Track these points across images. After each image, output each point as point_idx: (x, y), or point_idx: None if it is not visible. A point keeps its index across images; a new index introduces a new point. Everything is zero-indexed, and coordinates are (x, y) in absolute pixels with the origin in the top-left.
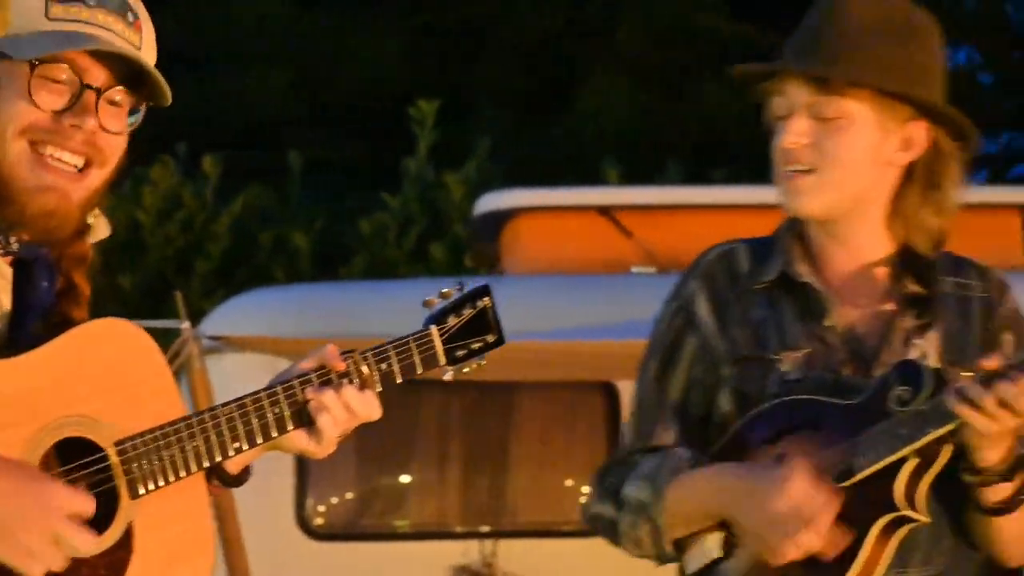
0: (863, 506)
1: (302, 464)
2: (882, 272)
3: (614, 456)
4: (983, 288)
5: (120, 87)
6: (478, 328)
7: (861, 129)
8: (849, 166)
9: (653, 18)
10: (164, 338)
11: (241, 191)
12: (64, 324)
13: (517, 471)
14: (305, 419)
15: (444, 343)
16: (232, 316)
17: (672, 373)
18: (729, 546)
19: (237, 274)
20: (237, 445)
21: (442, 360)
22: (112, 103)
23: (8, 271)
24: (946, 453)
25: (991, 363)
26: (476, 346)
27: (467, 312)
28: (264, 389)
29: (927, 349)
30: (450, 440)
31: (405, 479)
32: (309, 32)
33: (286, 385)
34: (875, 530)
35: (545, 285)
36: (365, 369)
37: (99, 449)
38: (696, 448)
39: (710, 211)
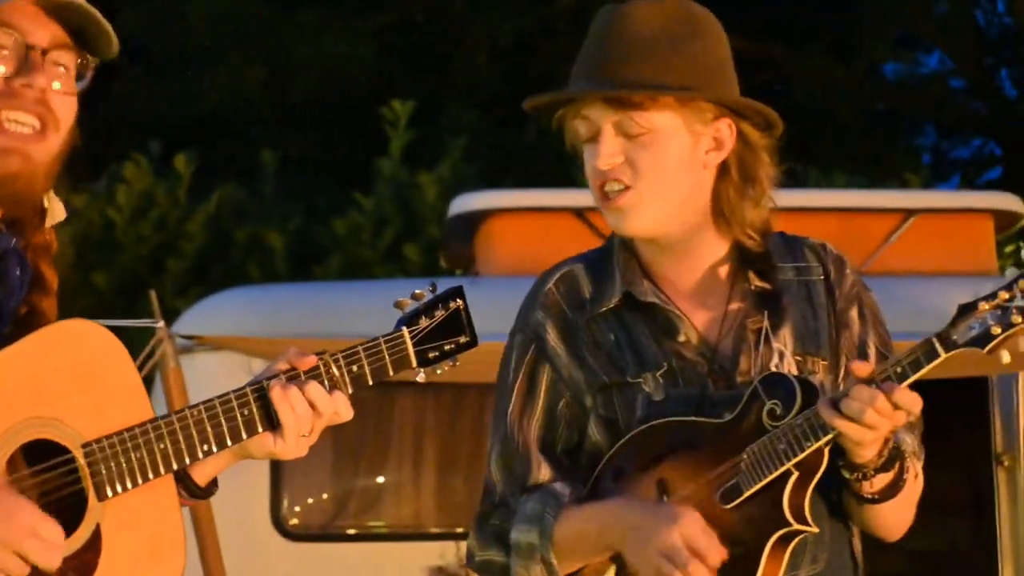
0: (753, 524)
1: (277, 465)
2: (722, 272)
3: (490, 499)
4: (821, 269)
5: (63, 47)
6: (450, 330)
7: (670, 138)
8: (665, 177)
9: None
10: (139, 337)
11: (214, 190)
12: (32, 319)
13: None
14: (275, 420)
15: (415, 345)
16: (206, 315)
17: (532, 408)
18: None
19: (211, 273)
20: (206, 447)
21: (413, 362)
22: (57, 64)
23: None
24: (825, 460)
25: (863, 370)
26: (448, 348)
27: (439, 314)
28: (235, 390)
29: (783, 343)
30: (425, 441)
31: (381, 480)
32: (282, 30)
33: (256, 386)
34: (768, 546)
35: (520, 286)
36: (335, 370)
37: (66, 451)
38: (571, 480)
39: None
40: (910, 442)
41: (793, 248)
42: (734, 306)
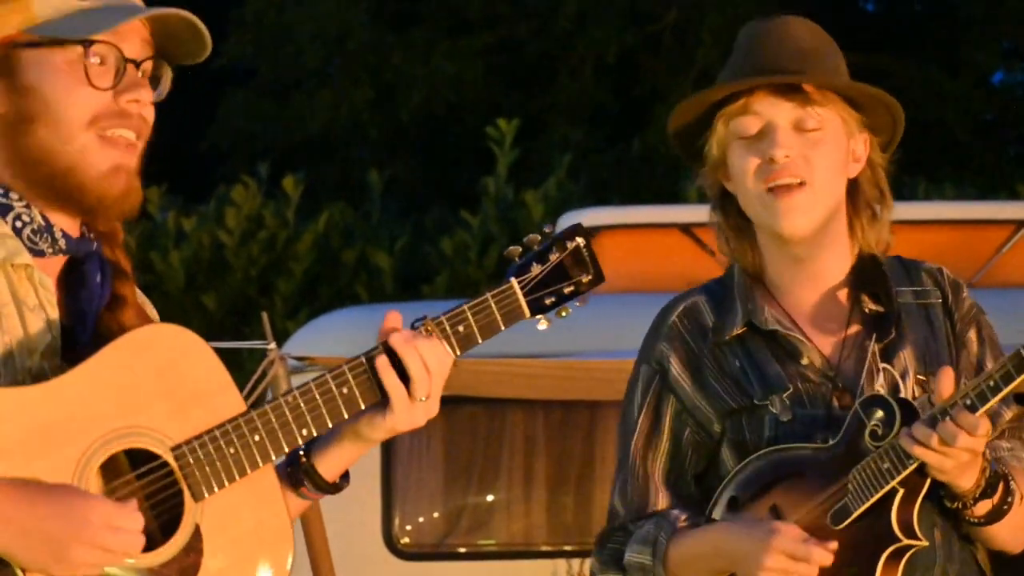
0: (864, 542)
1: (389, 483)
2: (843, 295)
3: (611, 524)
4: (939, 293)
5: (151, 57)
6: (570, 271)
7: (835, 138)
8: (832, 176)
9: (731, 35)
10: (250, 359)
11: (322, 211)
12: (113, 322)
13: (603, 490)
14: (379, 393)
15: (527, 294)
16: (316, 336)
17: (657, 440)
18: None
19: (320, 294)
20: (305, 431)
21: (526, 313)
22: (146, 75)
23: (49, 282)
24: (928, 480)
25: (946, 388)
26: (568, 290)
27: (554, 257)
28: (330, 370)
29: (903, 366)
30: (536, 459)
31: (491, 498)
32: (389, 51)
33: (353, 362)
34: (880, 563)
35: (629, 303)
36: (438, 334)
37: (157, 457)
38: (693, 508)
39: None
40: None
41: (910, 272)
42: (853, 329)
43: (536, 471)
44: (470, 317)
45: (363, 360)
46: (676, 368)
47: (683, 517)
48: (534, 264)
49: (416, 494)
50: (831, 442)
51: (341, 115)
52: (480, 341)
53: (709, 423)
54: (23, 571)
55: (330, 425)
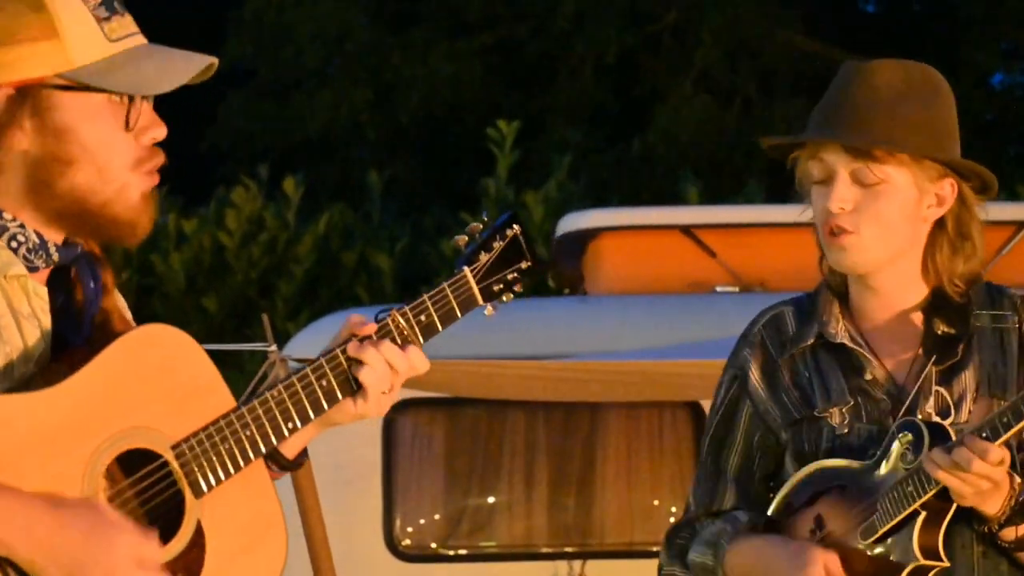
0: (888, 559)
1: (389, 485)
2: (917, 318)
3: (683, 518)
4: (1017, 319)
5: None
6: (511, 258)
7: (900, 191)
8: (890, 227)
9: (731, 35)
10: (250, 360)
11: (322, 212)
12: (105, 325)
13: (603, 491)
14: (353, 386)
15: (478, 282)
16: (316, 338)
17: (731, 439)
18: None
19: (320, 295)
20: (291, 424)
21: (479, 300)
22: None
23: (43, 291)
24: (952, 504)
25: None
26: (511, 277)
27: (497, 245)
28: (310, 364)
29: (963, 388)
30: (536, 461)
31: (492, 499)
32: (388, 52)
33: (329, 356)
34: None
35: (628, 305)
36: (403, 324)
37: (158, 456)
38: (760, 508)
39: (794, 230)
40: None
41: (994, 297)
42: (923, 350)
43: (536, 472)
44: (431, 307)
45: (339, 353)
46: (755, 374)
47: (745, 519)
48: (482, 253)
49: (417, 496)
50: (870, 461)
51: (341, 116)
52: (440, 329)
53: (778, 429)
54: None
55: (312, 417)
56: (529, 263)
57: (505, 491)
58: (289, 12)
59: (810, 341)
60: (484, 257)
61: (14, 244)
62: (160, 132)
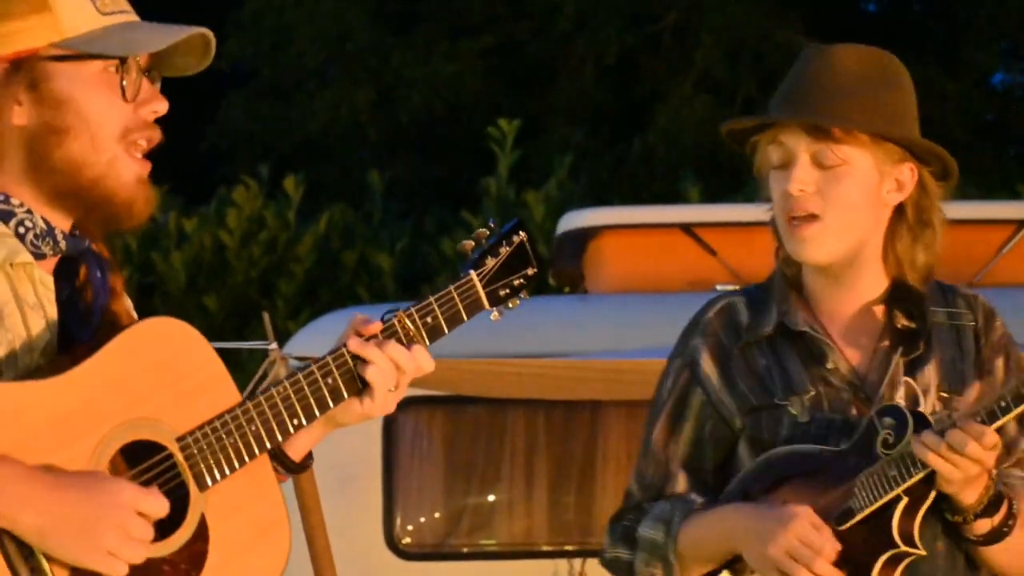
0: (864, 545)
1: (390, 484)
2: (878, 310)
3: (627, 504)
4: (972, 316)
5: (154, 66)
6: (517, 264)
7: (860, 174)
8: (852, 210)
9: (731, 35)
10: (251, 359)
11: (323, 212)
12: (112, 317)
13: (604, 490)
14: (359, 385)
15: (485, 286)
16: (317, 337)
17: (680, 428)
18: None
19: (321, 294)
20: (296, 421)
21: (485, 304)
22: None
23: (49, 280)
24: (932, 492)
25: (965, 405)
26: (517, 282)
27: (504, 251)
28: (316, 361)
29: (927, 381)
30: (537, 459)
31: (493, 498)
32: (389, 52)
33: (335, 354)
34: (877, 567)
35: (630, 303)
36: (409, 325)
37: (162, 448)
38: (713, 496)
39: None
40: None
41: (947, 294)
42: (884, 342)
43: (537, 471)
44: (436, 309)
45: (345, 352)
46: (706, 362)
47: (700, 501)
48: (488, 258)
49: (417, 494)
50: (843, 447)
51: (341, 116)
52: (446, 332)
53: (731, 418)
54: (47, 559)
55: (318, 415)
56: (535, 270)
57: (506, 490)
58: (289, 12)
59: (769, 329)
60: (490, 262)
61: (21, 230)
62: (161, 106)
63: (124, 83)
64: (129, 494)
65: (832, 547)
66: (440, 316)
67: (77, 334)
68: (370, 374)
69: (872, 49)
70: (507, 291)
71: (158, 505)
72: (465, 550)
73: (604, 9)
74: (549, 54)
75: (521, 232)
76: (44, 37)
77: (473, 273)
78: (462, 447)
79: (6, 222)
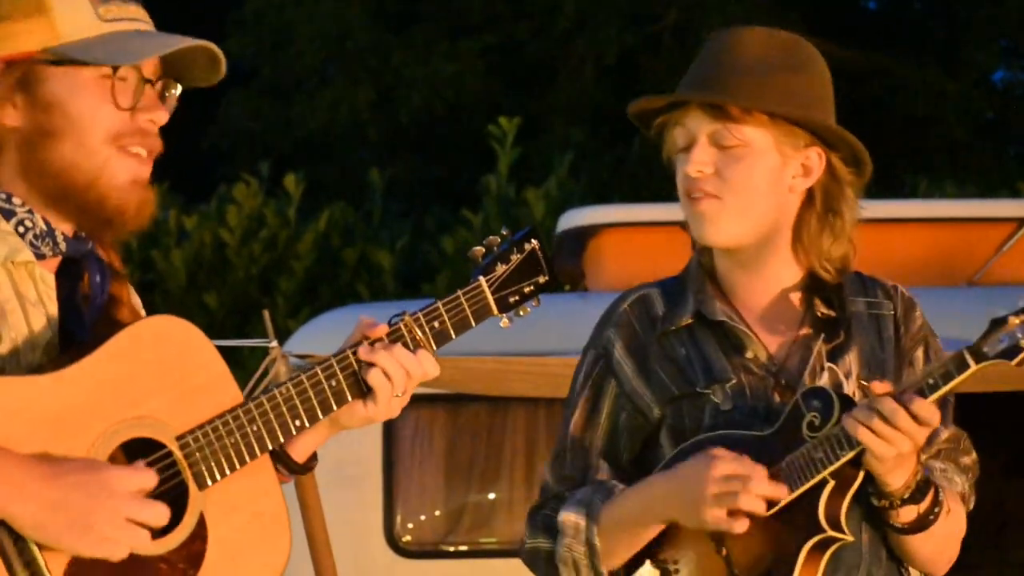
0: (791, 530)
1: (390, 482)
2: (796, 297)
3: (544, 495)
4: (891, 306)
5: (162, 77)
6: (528, 272)
7: (761, 155)
8: (751, 192)
9: None
10: (251, 356)
11: (323, 210)
12: (112, 318)
13: None
14: (363, 388)
15: (494, 292)
16: (317, 334)
17: (596, 419)
18: None
19: (321, 292)
20: (298, 423)
21: (494, 310)
22: (160, 94)
23: (50, 278)
24: (861, 472)
25: (882, 387)
26: (528, 289)
27: (515, 258)
28: (320, 363)
29: (848, 369)
30: (537, 458)
31: (493, 496)
32: (389, 51)
33: (340, 356)
34: (804, 552)
35: None
36: (416, 331)
37: (162, 446)
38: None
39: None
40: (959, 483)
41: (866, 285)
42: (804, 331)
43: (537, 469)
44: (444, 314)
45: (349, 355)
46: (619, 353)
47: (621, 487)
48: (498, 264)
49: (418, 492)
50: (768, 432)
51: (341, 115)
52: (454, 337)
53: (648, 409)
54: (39, 547)
55: (321, 417)
56: (547, 277)
57: (506, 488)
58: (290, 12)
59: (686, 319)
60: (501, 268)
61: (21, 229)
62: (160, 116)
63: (115, 90)
64: (121, 478)
65: (760, 469)
66: (448, 321)
67: (78, 334)
68: (374, 378)
69: (781, 32)
70: (517, 298)
71: (146, 479)
72: (465, 548)
73: (604, 9)
74: (549, 54)
75: (533, 240)
76: (40, 41)
77: (482, 279)
78: (462, 446)
79: (7, 220)
